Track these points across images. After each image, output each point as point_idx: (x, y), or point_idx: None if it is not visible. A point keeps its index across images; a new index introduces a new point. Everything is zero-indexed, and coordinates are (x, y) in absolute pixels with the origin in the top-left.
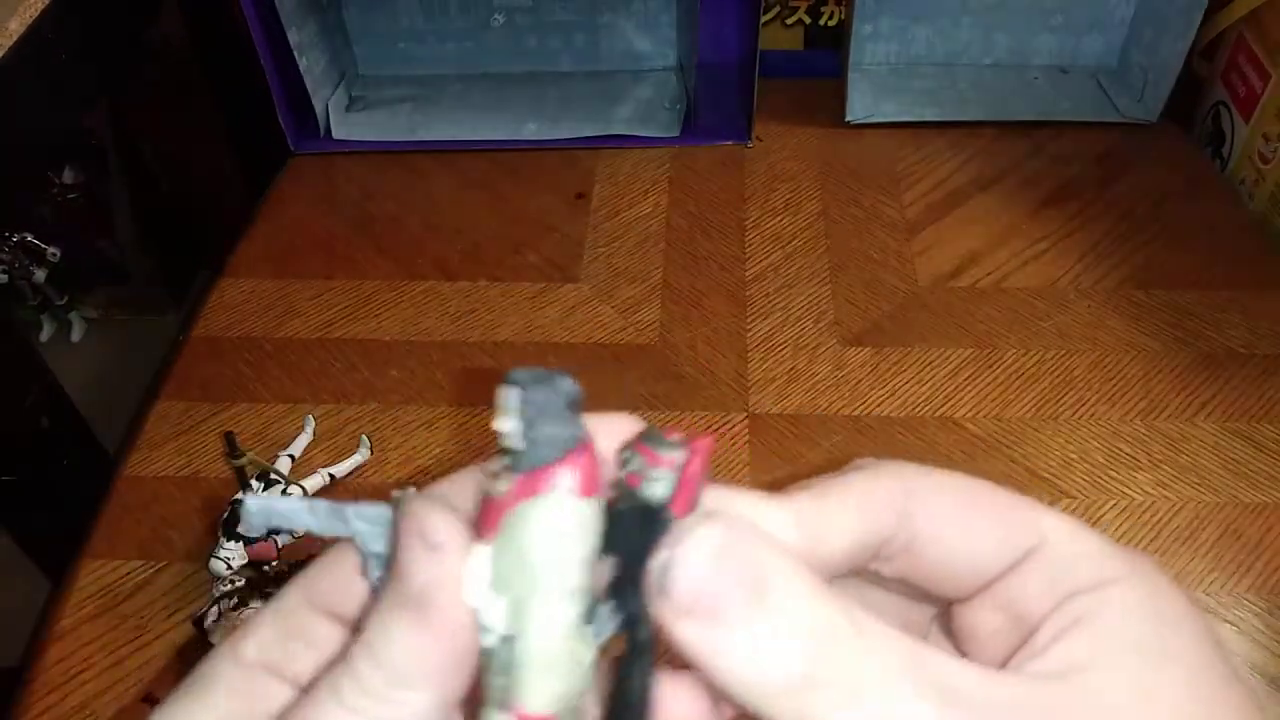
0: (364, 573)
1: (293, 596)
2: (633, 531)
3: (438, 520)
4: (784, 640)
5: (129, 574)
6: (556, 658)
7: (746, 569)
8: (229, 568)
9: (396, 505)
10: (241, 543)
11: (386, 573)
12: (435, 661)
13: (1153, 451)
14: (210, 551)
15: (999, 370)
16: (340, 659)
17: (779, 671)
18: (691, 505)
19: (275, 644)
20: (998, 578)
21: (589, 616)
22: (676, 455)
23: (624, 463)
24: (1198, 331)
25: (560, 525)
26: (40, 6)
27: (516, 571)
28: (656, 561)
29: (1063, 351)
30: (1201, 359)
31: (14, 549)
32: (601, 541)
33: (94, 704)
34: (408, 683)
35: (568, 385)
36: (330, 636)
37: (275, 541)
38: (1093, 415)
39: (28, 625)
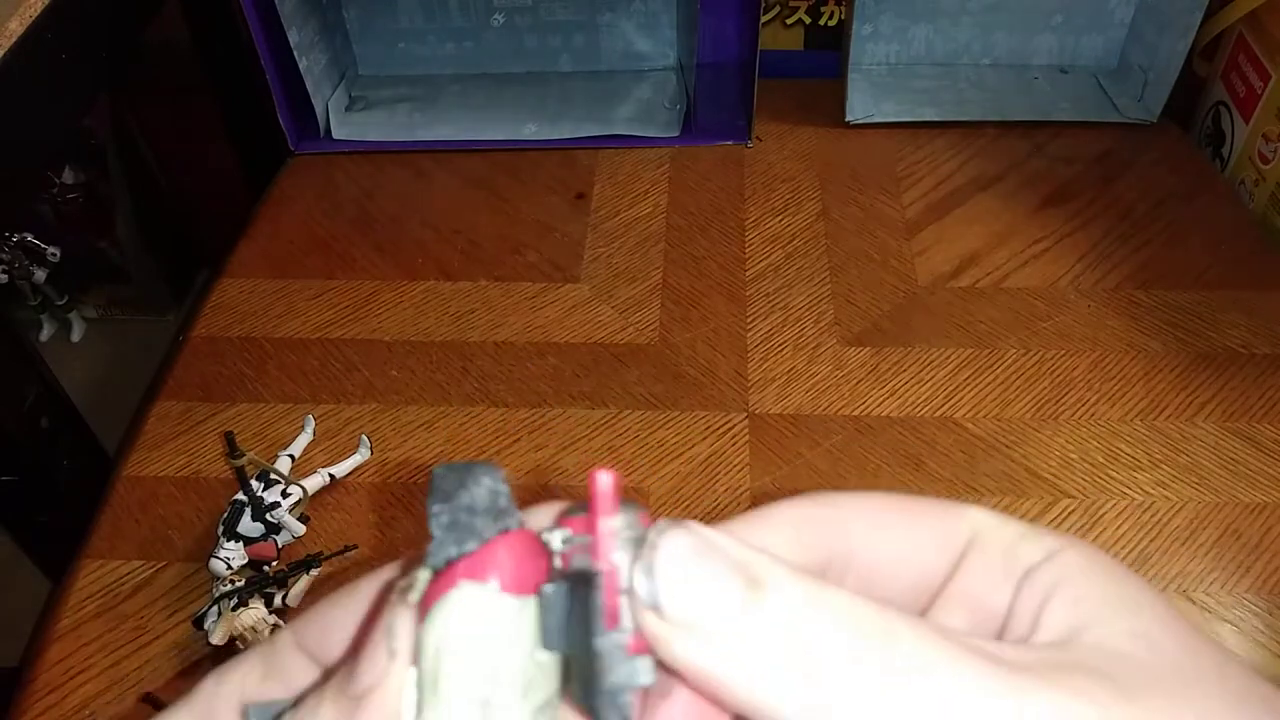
0: None
1: (285, 636)
2: (572, 607)
3: (406, 626)
4: (800, 626)
5: (129, 574)
6: None
7: (732, 563)
8: (229, 568)
9: (393, 598)
10: (241, 543)
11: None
12: None
13: (1153, 451)
14: (210, 551)
15: (999, 370)
16: None
17: (803, 664)
18: (608, 546)
19: (256, 680)
20: (947, 580)
21: None
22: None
23: (551, 546)
24: (1198, 331)
25: (460, 624)
26: (40, 6)
27: (423, 682)
28: (636, 583)
29: (1063, 351)
30: (1201, 359)
31: (14, 549)
32: (543, 637)
33: (94, 704)
34: None
35: (487, 479)
36: (309, 683)
37: (275, 541)
38: (1093, 415)
39: (28, 625)
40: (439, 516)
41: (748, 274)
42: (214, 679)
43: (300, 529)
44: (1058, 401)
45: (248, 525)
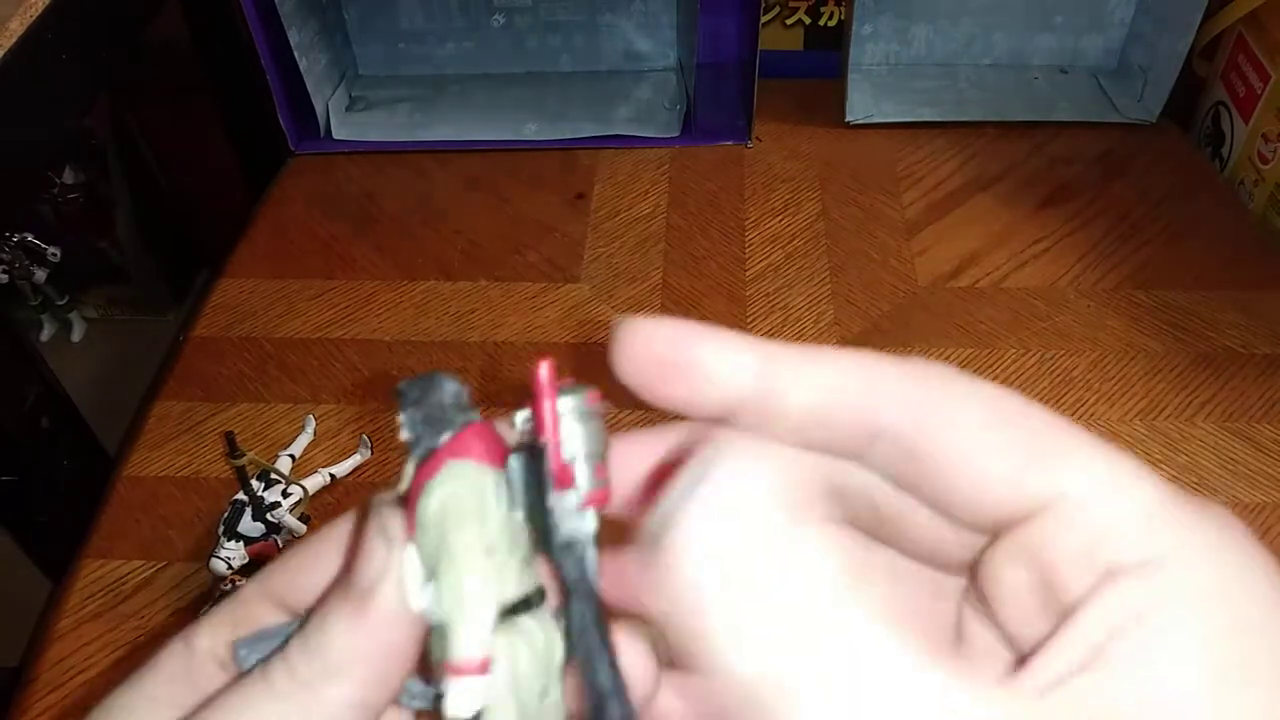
0: None
1: (250, 588)
2: (529, 474)
3: (396, 520)
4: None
5: (129, 574)
6: (475, 607)
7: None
8: (229, 568)
9: (374, 507)
10: (242, 542)
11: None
12: (366, 656)
13: (1153, 451)
14: (211, 551)
15: (999, 370)
16: (278, 649)
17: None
18: (554, 425)
19: (227, 633)
20: (1021, 521)
21: (534, 597)
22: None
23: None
24: (1198, 331)
25: (455, 492)
26: (40, 6)
27: (431, 551)
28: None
29: (1062, 351)
30: (1201, 359)
31: (14, 549)
32: (512, 501)
33: (94, 704)
34: (337, 675)
35: (449, 382)
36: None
37: (276, 541)
38: (1093, 415)
39: (28, 625)
40: (414, 416)
41: (748, 274)
42: (181, 641)
43: (300, 529)
44: (1057, 401)
45: (248, 525)
